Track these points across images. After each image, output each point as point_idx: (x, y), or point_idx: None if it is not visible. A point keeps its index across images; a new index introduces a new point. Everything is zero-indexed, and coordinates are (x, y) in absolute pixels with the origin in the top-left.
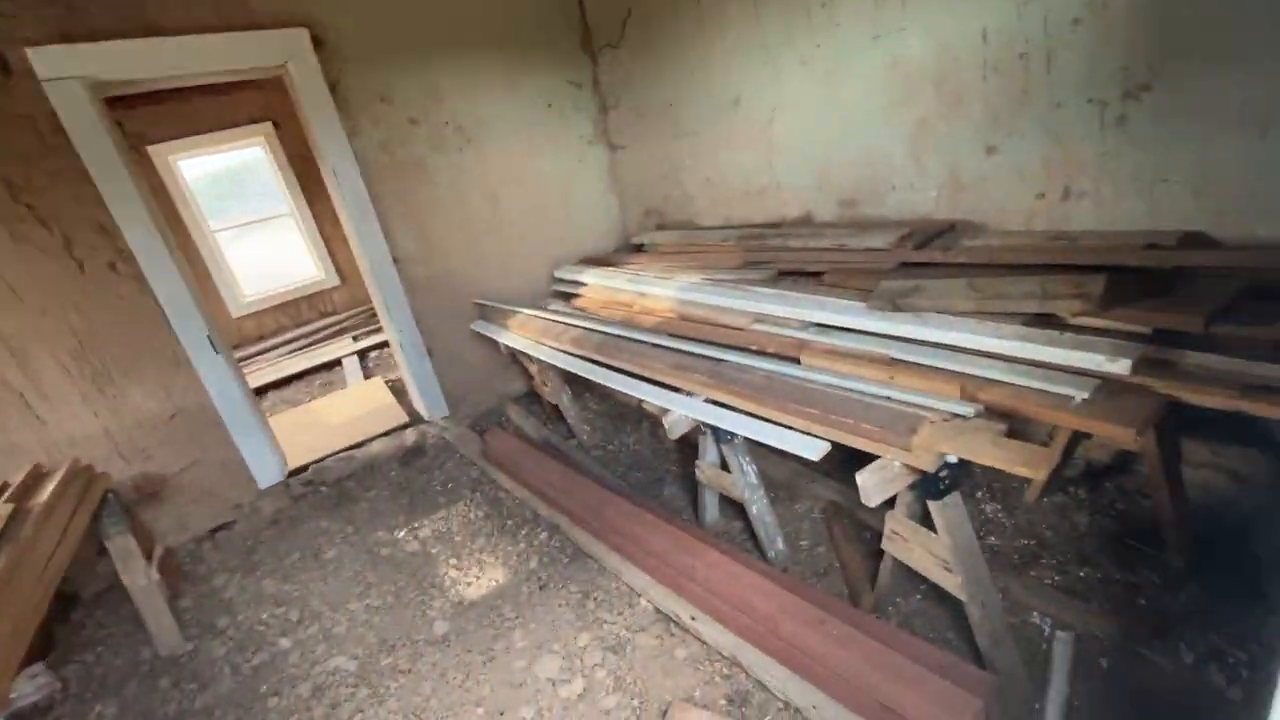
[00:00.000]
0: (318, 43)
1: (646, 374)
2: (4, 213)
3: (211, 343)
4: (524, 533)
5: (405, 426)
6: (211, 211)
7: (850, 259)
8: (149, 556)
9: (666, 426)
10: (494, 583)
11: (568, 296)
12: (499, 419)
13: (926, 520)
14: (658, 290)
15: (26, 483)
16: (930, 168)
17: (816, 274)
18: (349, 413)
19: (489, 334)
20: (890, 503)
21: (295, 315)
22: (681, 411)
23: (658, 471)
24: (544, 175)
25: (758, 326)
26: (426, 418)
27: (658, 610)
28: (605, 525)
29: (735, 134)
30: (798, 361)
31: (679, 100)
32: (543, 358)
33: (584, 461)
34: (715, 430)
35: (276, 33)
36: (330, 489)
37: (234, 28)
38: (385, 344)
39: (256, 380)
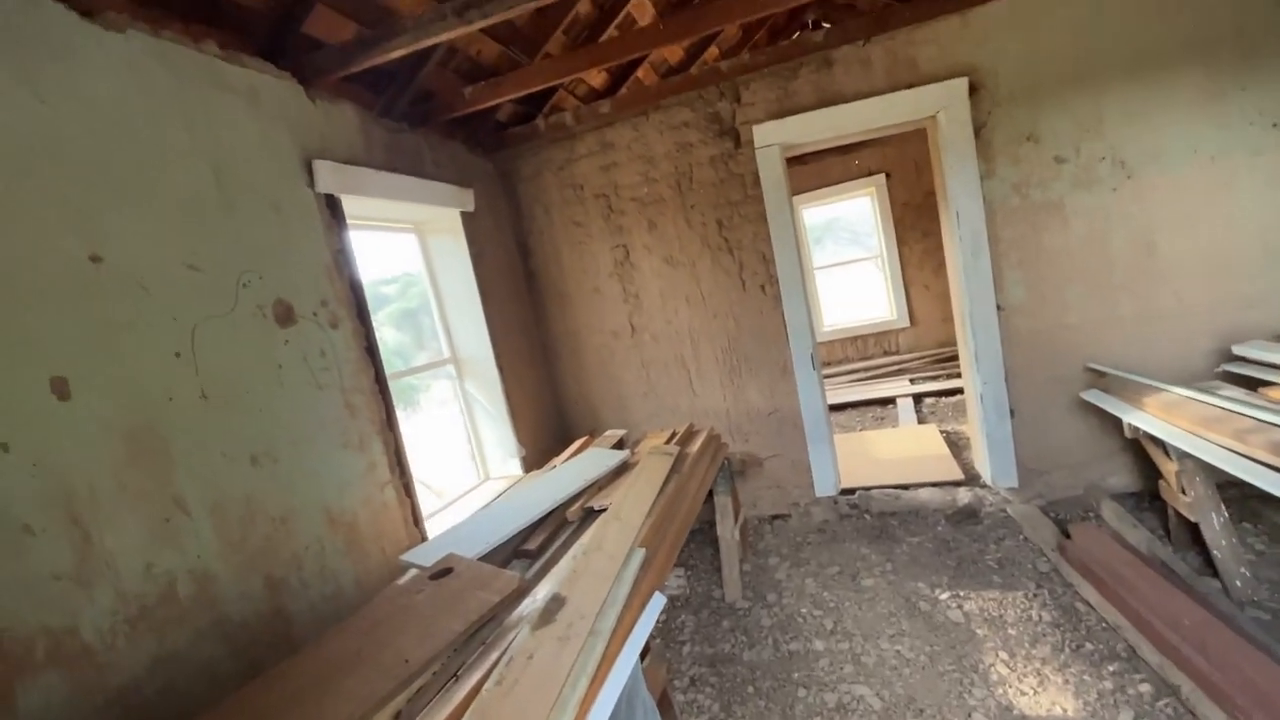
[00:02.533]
0: (973, 89)
1: None
2: (713, 242)
3: (812, 360)
4: (1111, 669)
5: (959, 484)
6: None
7: None
8: (736, 517)
9: None
10: (1059, 709)
11: (1253, 383)
12: (1084, 513)
13: None
14: None
15: (685, 434)
16: None
17: None
18: (900, 452)
19: (1108, 408)
20: None
21: (861, 349)
22: None
23: None
24: (1237, 217)
25: None
26: (987, 482)
27: None
28: None
29: None
30: None
31: None
32: (1200, 455)
33: (1235, 617)
34: None
35: (937, 85)
36: (873, 519)
37: (898, 88)
38: (945, 393)
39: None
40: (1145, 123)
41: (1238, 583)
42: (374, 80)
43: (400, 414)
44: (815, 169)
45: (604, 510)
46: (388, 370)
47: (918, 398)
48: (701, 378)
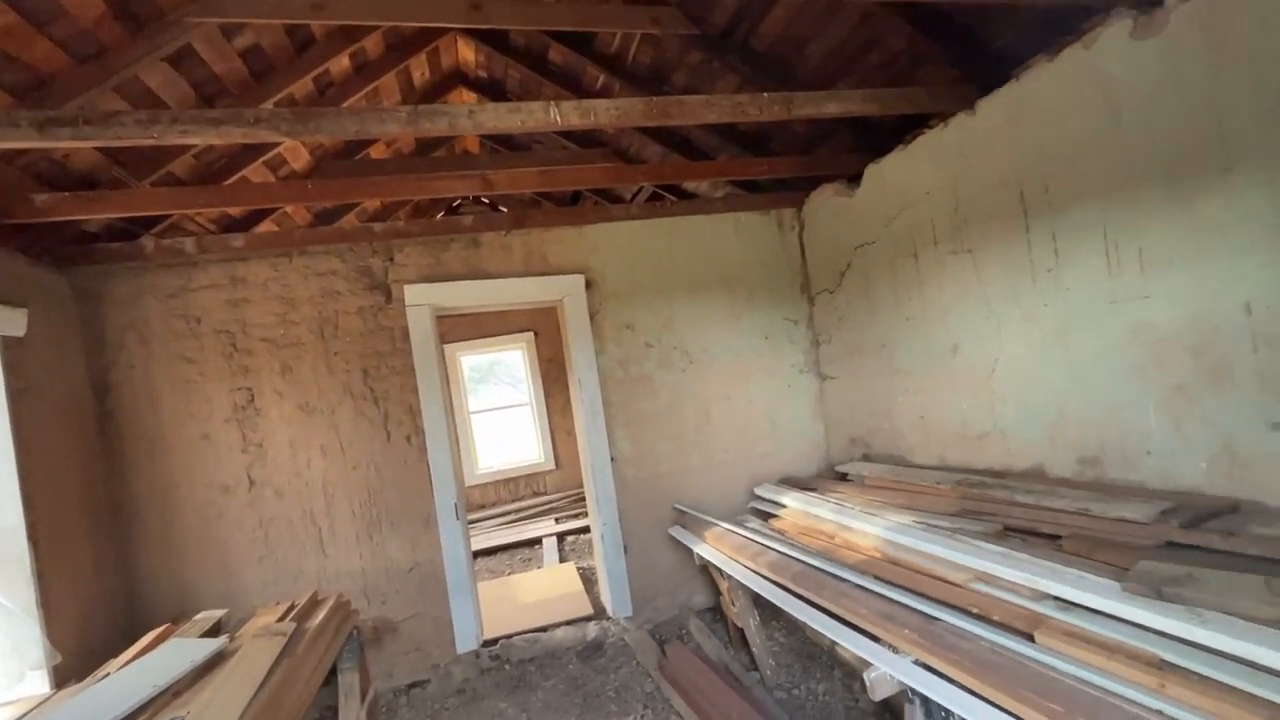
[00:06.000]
0: (588, 285)
1: (848, 618)
2: (357, 391)
3: (456, 510)
4: None
5: (589, 619)
6: (469, 393)
7: (1096, 527)
8: (364, 697)
9: (867, 683)
10: None
11: (766, 516)
12: (679, 631)
13: None
14: (862, 526)
15: (306, 606)
16: (1194, 437)
17: (1052, 536)
18: (541, 593)
19: (684, 541)
20: None
21: (514, 491)
22: (885, 669)
23: None
24: (754, 397)
25: (979, 587)
26: (610, 614)
27: None
28: None
29: (954, 378)
30: (1031, 638)
31: (893, 341)
32: (735, 575)
33: (765, 702)
34: (926, 701)
35: (563, 277)
36: (513, 669)
37: (534, 274)
38: (583, 530)
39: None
40: (697, 327)
41: (768, 671)
42: None
43: None
44: (473, 320)
45: None
46: None
47: (561, 536)
48: (335, 536)
